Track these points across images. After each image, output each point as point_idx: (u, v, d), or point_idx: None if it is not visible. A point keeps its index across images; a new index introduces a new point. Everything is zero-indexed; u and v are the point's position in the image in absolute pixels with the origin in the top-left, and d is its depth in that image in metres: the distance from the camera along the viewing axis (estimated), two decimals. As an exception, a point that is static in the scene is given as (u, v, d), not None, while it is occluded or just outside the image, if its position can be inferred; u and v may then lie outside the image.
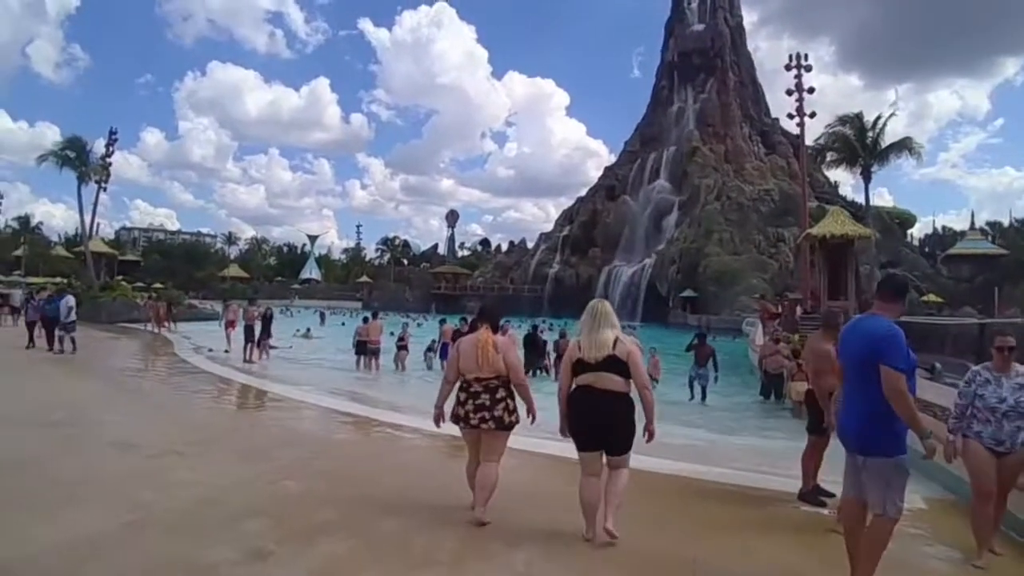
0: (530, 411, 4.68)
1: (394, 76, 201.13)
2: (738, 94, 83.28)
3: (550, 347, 17.45)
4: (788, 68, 25.18)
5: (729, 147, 77.96)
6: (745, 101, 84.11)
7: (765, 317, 21.71)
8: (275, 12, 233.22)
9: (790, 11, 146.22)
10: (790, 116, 25.09)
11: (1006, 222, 66.37)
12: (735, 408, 12.82)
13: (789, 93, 25.20)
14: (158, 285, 56.98)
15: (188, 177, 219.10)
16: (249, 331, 17.02)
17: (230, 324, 19.13)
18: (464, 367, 4.62)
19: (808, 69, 25.02)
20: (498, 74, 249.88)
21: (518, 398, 4.68)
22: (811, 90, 24.65)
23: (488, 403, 4.52)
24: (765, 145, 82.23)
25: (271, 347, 18.88)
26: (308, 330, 28.26)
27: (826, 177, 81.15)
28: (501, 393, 4.57)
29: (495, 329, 4.77)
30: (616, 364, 4.18)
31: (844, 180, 79.86)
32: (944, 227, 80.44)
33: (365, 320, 17.95)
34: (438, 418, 4.78)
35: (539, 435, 6.21)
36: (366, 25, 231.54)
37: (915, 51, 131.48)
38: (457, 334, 12.98)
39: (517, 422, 4.64)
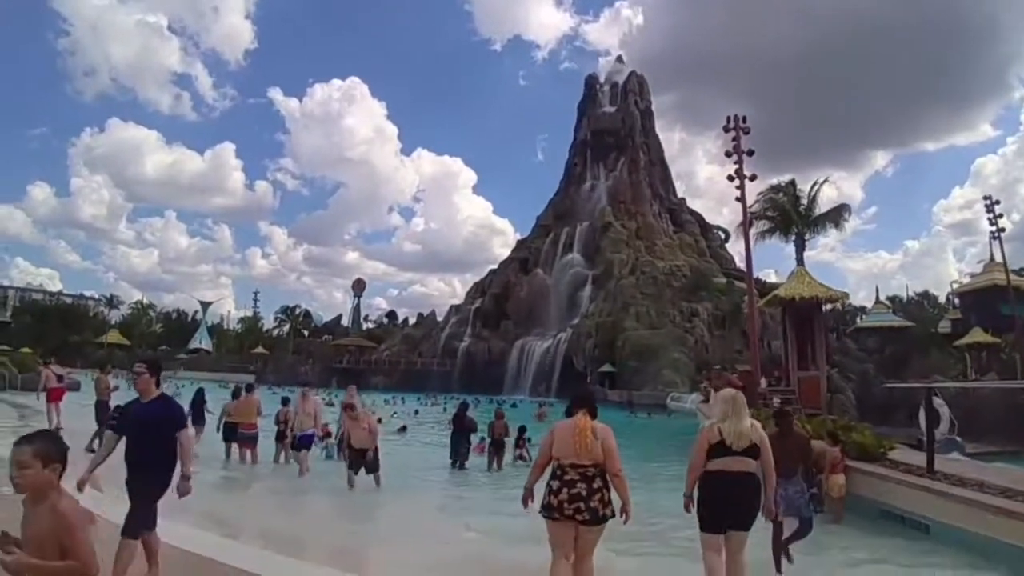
0: (625, 506, 4.48)
1: (302, 146, 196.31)
2: (648, 173, 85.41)
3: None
4: (726, 129, 23.94)
5: (640, 224, 78.88)
6: (654, 180, 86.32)
7: (727, 391, 19.40)
8: (182, 74, 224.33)
9: (681, 106, 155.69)
10: (730, 178, 23.61)
11: (905, 296, 69.52)
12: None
13: (728, 155, 23.88)
14: (25, 350, 49.68)
15: (76, 236, 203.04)
16: (102, 408, 12.75)
17: (53, 394, 14.65)
18: (559, 452, 4.49)
19: (747, 132, 23.83)
20: (407, 150, 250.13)
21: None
22: (751, 152, 23.41)
23: (584, 493, 4.34)
24: (674, 223, 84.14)
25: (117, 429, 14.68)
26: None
27: (730, 255, 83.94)
28: (598, 483, 4.40)
29: (593, 414, 4.63)
30: (752, 449, 4.63)
31: (736, 254, 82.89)
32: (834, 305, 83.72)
33: (235, 395, 14.00)
34: (526, 498, 4.71)
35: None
36: (276, 94, 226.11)
37: (794, 146, 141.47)
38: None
39: (612, 515, 4.41)
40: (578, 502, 4.29)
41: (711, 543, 4.67)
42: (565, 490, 4.34)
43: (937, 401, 10.30)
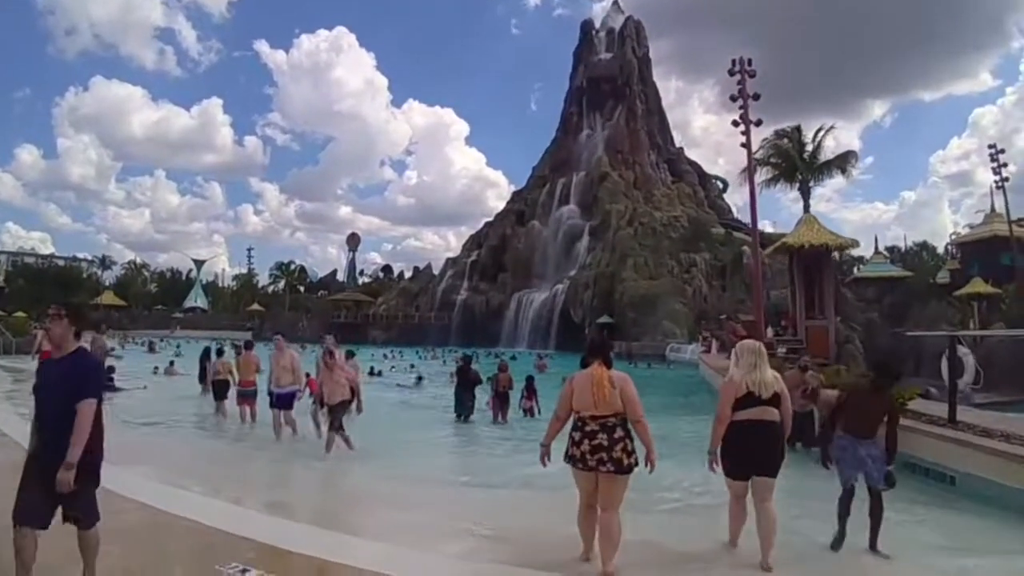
0: (649, 454, 4.42)
1: (291, 100, 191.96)
2: (645, 122, 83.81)
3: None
4: (731, 73, 23.19)
5: (638, 174, 77.87)
6: (652, 129, 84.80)
7: (735, 341, 19.11)
8: (165, 28, 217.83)
9: (678, 54, 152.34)
10: (735, 123, 22.96)
11: (903, 247, 69.26)
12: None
13: (733, 99, 23.22)
14: (20, 314, 49.34)
15: (66, 199, 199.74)
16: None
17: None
18: (578, 404, 4.43)
19: (752, 75, 23.07)
20: (397, 102, 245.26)
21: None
22: (756, 96, 22.70)
23: (606, 443, 4.30)
24: (672, 173, 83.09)
25: (113, 387, 14.51)
26: (171, 364, 22.95)
27: (728, 205, 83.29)
28: (619, 433, 4.35)
29: (608, 363, 4.50)
30: (776, 399, 4.77)
31: (734, 205, 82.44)
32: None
33: (220, 353, 13.90)
34: (544, 456, 4.65)
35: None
36: (262, 47, 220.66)
37: (792, 94, 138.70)
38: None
39: (636, 465, 4.36)
40: (600, 452, 4.26)
41: (737, 489, 4.82)
42: (587, 441, 4.31)
43: (962, 350, 10.03)
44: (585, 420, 4.38)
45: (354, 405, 9.73)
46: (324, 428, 9.74)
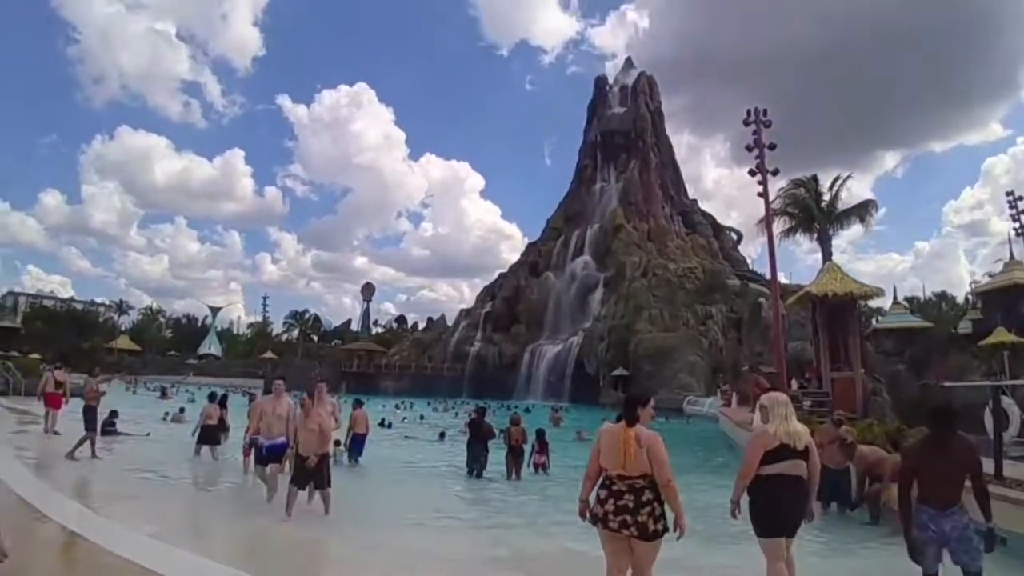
0: (678, 519, 4.09)
1: (310, 153, 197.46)
2: (659, 175, 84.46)
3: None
4: (746, 123, 23.14)
5: (652, 225, 78.01)
6: (666, 182, 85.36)
7: (757, 394, 18.48)
8: (191, 82, 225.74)
9: (689, 109, 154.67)
10: (751, 173, 22.81)
11: (922, 297, 68.23)
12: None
13: (749, 149, 23.08)
14: (34, 355, 49.61)
15: (87, 243, 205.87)
16: (90, 414, 12.18)
17: (49, 398, 14.12)
18: (606, 462, 4.24)
19: (767, 125, 23.02)
20: (415, 155, 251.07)
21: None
22: (772, 146, 22.59)
23: (631, 505, 4.06)
24: (686, 225, 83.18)
25: (115, 432, 14.28)
26: (181, 411, 22.63)
27: (743, 256, 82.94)
28: (647, 496, 4.08)
29: (630, 420, 4.23)
30: (805, 452, 4.58)
31: (749, 257, 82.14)
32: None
33: (212, 398, 13.74)
34: (583, 511, 4.37)
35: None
36: (284, 101, 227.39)
37: (802, 147, 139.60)
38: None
39: (665, 531, 4.09)
40: (624, 515, 4.06)
41: (776, 550, 4.49)
42: (612, 501, 4.13)
43: (1007, 401, 9.49)
44: (613, 479, 4.20)
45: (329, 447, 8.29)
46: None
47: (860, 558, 7.20)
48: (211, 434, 12.86)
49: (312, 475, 7.87)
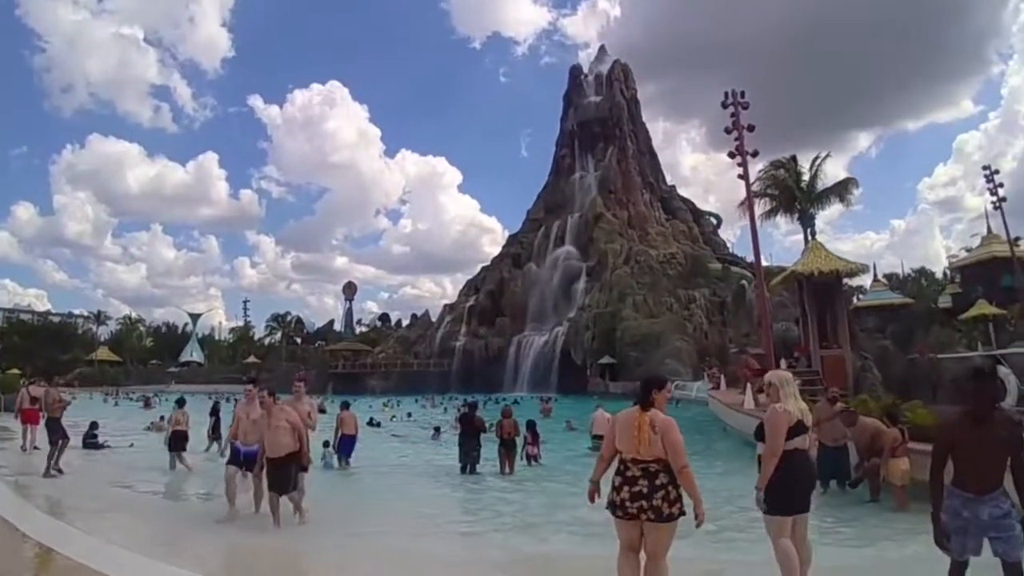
0: (696, 507, 4.03)
1: (285, 153, 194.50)
2: (637, 162, 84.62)
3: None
4: (724, 105, 23.05)
5: (632, 213, 78.21)
6: (644, 168, 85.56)
7: (748, 375, 18.54)
8: (161, 86, 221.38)
9: (663, 96, 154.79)
10: (731, 155, 22.75)
11: (901, 273, 69.01)
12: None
13: (728, 131, 22.99)
14: (14, 370, 48.70)
15: (62, 255, 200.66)
16: (54, 425, 11.87)
17: (26, 415, 13.69)
18: (621, 446, 4.22)
19: (745, 107, 22.96)
20: (391, 152, 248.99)
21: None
22: (751, 128, 22.55)
23: (646, 490, 4.04)
24: (665, 211, 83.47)
25: (96, 444, 13.89)
26: (161, 418, 22.02)
27: (723, 240, 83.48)
28: (661, 479, 4.06)
29: (645, 404, 4.19)
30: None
31: (731, 239, 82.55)
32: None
33: (180, 403, 13.41)
34: (592, 493, 4.45)
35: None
36: (256, 102, 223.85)
37: (776, 130, 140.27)
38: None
39: (681, 514, 4.05)
40: (640, 500, 4.04)
41: (785, 527, 4.40)
42: (627, 487, 4.10)
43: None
44: (627, 464, 4.17)
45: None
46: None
47: (870, 541, 6.88)
48: (181, 440, 12.61)
49: (279, 474, 7.35)
